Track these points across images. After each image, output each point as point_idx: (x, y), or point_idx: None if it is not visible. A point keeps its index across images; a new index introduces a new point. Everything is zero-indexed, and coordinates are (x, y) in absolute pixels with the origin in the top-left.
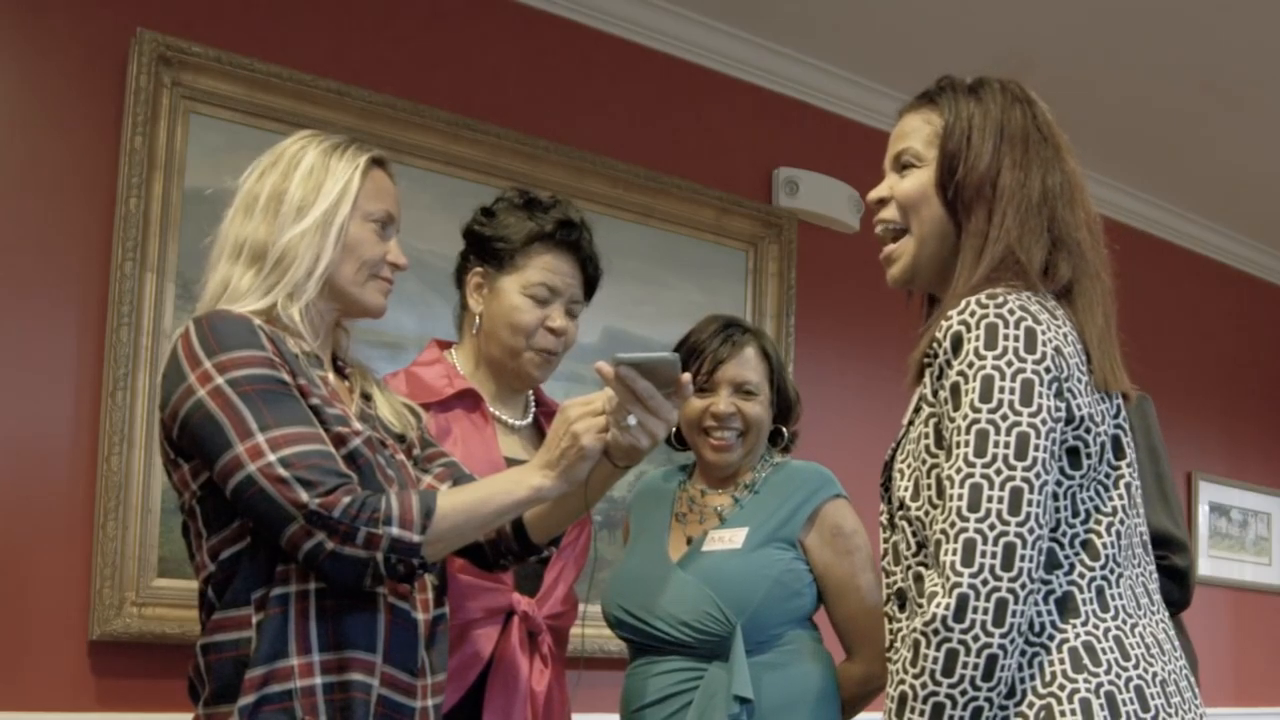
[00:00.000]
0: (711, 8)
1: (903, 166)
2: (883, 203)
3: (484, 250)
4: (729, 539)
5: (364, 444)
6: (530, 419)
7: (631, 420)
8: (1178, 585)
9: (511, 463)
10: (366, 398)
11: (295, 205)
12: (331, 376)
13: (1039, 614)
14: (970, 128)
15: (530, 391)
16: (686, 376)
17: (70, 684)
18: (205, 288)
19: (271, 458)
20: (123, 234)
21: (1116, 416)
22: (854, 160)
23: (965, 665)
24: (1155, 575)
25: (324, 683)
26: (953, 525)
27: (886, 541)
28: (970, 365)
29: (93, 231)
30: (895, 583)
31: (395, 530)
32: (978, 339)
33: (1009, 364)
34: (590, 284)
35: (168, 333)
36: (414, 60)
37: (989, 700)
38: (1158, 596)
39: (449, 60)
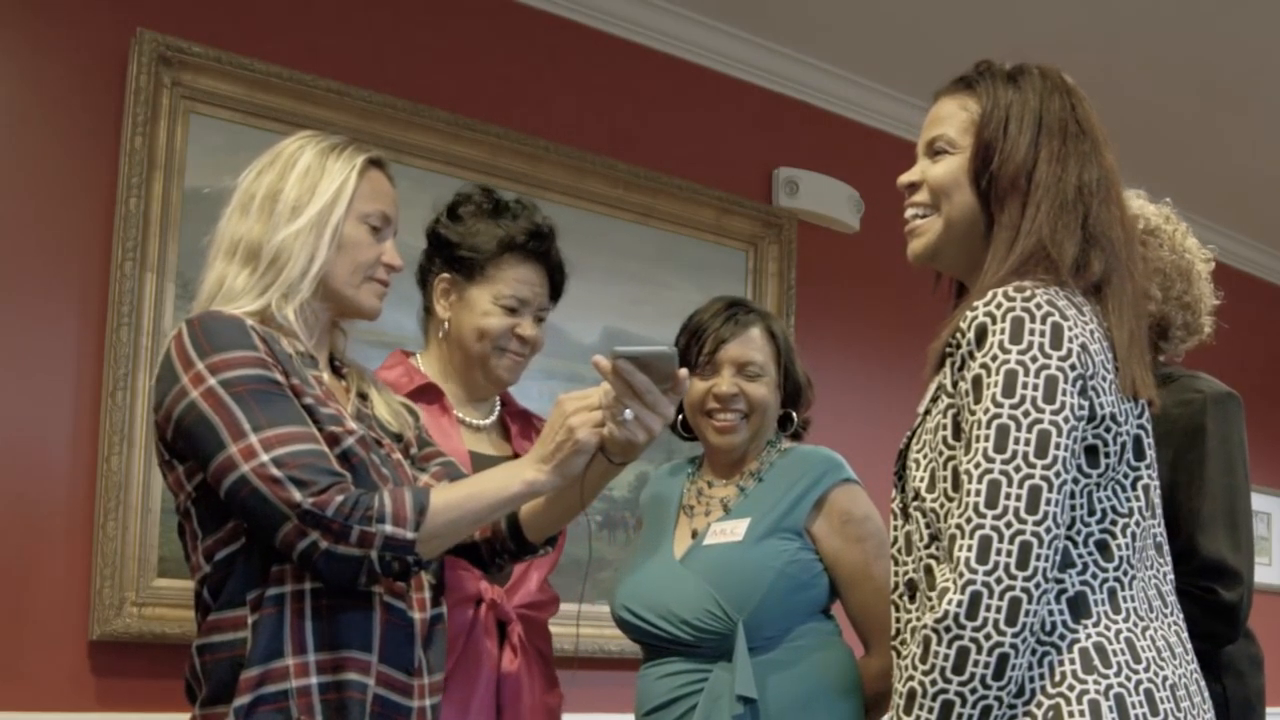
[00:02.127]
0: (711, 8)
1: (935, 152)
2: (914, 187)
3: (451, 257)
4: (730, 531)
5: (357, 443)
6: (495, 418)
7: (628, 415)
8: (1224, 623)
9: (476, 456)
10: (363, 397)
11: (290, 205)
12: (326, 376)
13: (1051, 613)
14: (1008, 117)
15: (496, 395)
16: (683, 372)
17: (70, 684)
18: (201, 286)
19: (264, 458)
20: (123, 234)
21: (1140, 416)
22: (854, 160)
23: (976, 664)
24: (1170, 578)
25: (319, 682)
26: (969, 521)
27: (898, 530)
28: (994, 358)
29: (93, 231)
30: (906, 572)
31: (389, 528)
32: (1003, 332)
33: (1033, 359)
34: (556, 290)
35: (168, 333)
36: (414, 60)
37: (998, 699)
38: (1172, 599)
39: (449, 60)
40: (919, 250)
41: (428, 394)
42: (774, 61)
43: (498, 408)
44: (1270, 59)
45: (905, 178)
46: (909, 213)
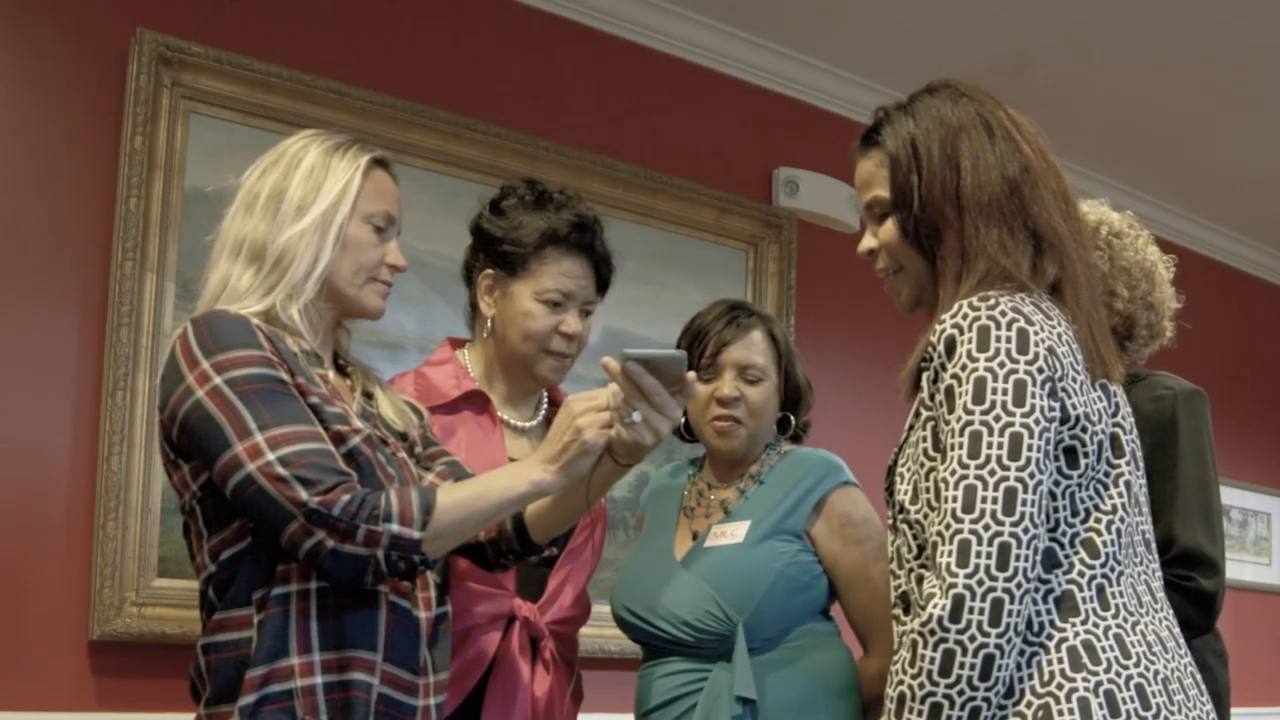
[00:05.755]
0: (711, 8)
1: (877, 216)
2: (873, 253)
3: (494, 252)
4: (731, 533)
5: (363, 442)
6: (541, 418)
7: (636, 416)
8: (1201, 611)
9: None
10: (368, 396)
11: (295, 204)
12: (332, 375)
13: (1038, 613)
14: (915, 152)
15: (544, 391)
16: (692, 375)
17: (70, 684)
18: (205, 285)
19: (270, 456)
20: (123, 234)
21: (1115, 414)
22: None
23: (962, 665)
24: (1159, 573)
25: (324, 682)
26: (948, 527)
27: (892, 545)
28: (963, 368)
29: (93, 231)
30: (900, 585)
31: (395, 527)
32: (970, 341)
33: (1001, 365)
34: (604, 283)
35: (168, 333)
36: (414, 60)
37: (987, 700)
38: (1161, 594)
39: (449, 60)
40: (906, 304)
41: (475, 402)
42: (774, 61)
43: (545, 406)
44: (1270, 58)
45: (862, 247)
46: (880, 274)
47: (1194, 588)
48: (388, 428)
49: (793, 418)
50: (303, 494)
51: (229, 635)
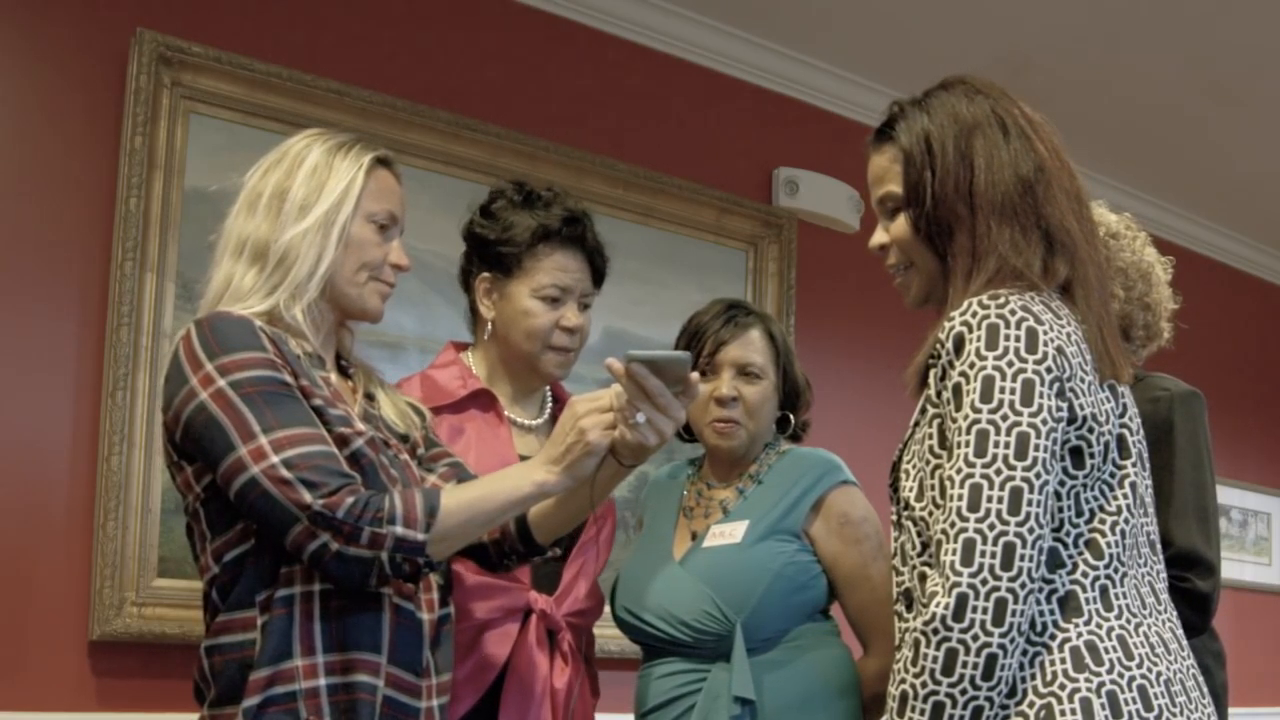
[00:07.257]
0: (711, 8)
1: (889, 211)
2: (884, 248)
3: (489, 255)
4: (729, 534)
5: (367, 444)
6: (547, 416)
7: (640, 417)
8: (1196, 612)
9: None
10: (370, 398)
11: (298, 204)
12: (334, 377)
13: (1041, 613)
14: (929, 148)
15: (548, 389)
16: (695, 376)
17: (70, 684)
18: (208, 285)
19: (275, 459)
20: (123, 234)
21: (1122, 415)
22: (854, 160)
23: (965, 665)
24: (1164, 575)
25: (329, 684)
26: (953, 525)
27: (896, 541)
28: (971, 366)
29: (93, 231)
30: (903, 582)
31: (400, 529)
32: (979, 339)
33: (1010, 364)
34: (599, 275)
35: (168, 333)
36: (414, 60)
37: (989, 700)
38: (1165, 596)
39: (449, 60)
40: (914, 300)
41: (481, 400)
42: (774, 61)
43: (549, 404)
44: (1270, 58)
45: (873, 242)
46: (890, 270)
47: (1189, 589)
48: (390, 429)
49: (791, 417)
50: (307, 496)
51: (233, 637)
